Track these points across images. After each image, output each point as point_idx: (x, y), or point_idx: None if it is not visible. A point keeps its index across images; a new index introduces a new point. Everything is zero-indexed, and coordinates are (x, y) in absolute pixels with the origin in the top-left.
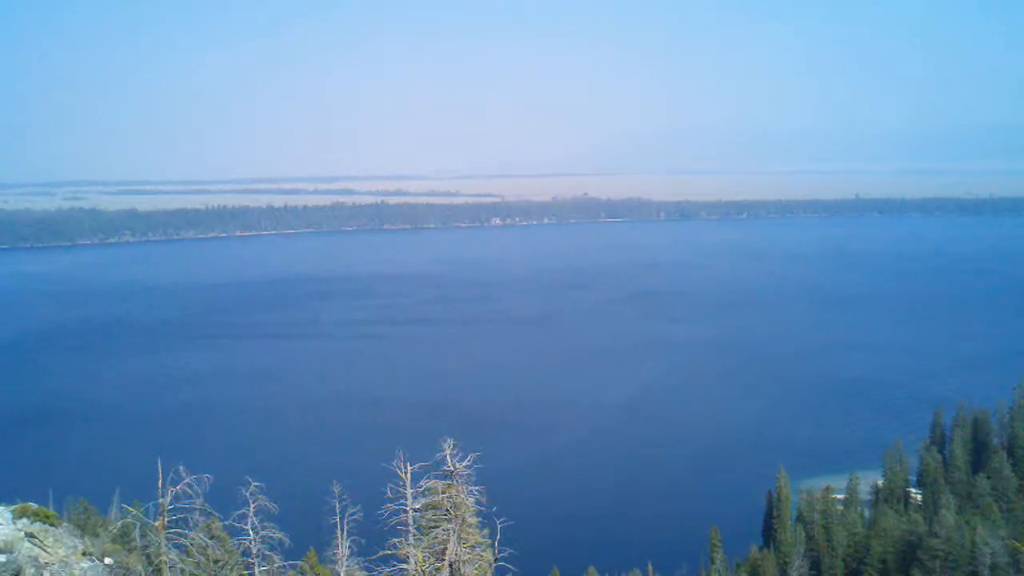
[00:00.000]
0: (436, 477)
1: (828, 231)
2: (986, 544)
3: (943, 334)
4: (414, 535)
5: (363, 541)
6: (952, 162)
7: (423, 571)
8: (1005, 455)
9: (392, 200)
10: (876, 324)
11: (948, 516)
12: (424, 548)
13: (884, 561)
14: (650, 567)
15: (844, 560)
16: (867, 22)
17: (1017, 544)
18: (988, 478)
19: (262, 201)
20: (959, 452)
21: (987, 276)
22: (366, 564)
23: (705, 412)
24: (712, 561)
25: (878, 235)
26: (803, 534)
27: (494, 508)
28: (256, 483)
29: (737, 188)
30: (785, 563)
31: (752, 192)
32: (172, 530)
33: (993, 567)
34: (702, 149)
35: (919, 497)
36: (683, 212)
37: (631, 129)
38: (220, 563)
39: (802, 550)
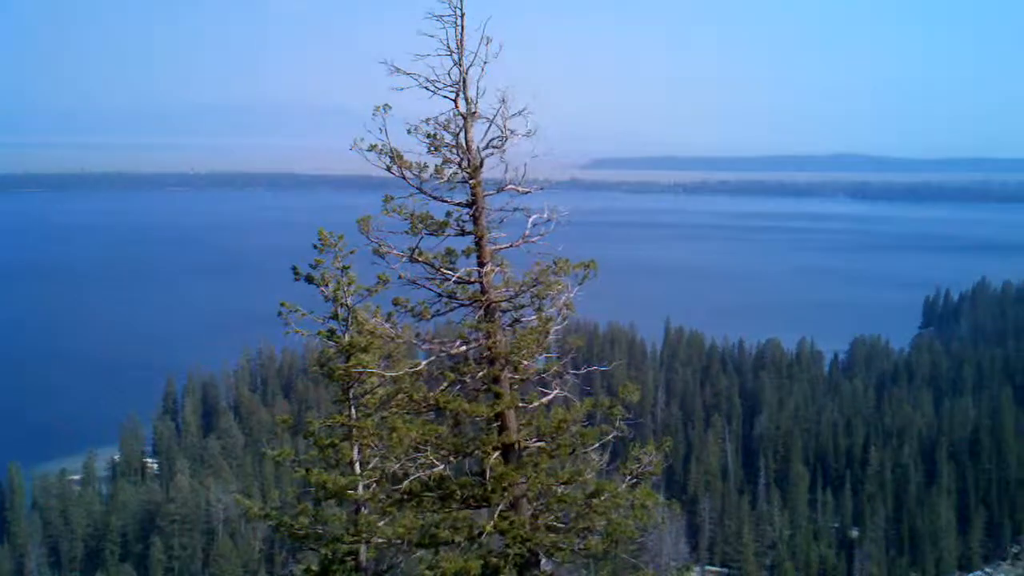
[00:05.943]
0: None
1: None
2: (218, 501)
3: (161, 304)
4: None
5: None
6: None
7: None
8: (232, 415)
9: None
10: (92, 298)
11: (183, 480)
12: None
13: (124, 534)
14: None
15: (84, 540)
16: None
17: (241, 498)
18: (219, 439)
19: None
20: (191, 418)
21: (192, 245)
22: None
23: None
24: None
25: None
26: (40, 522)
27: None
28: None
29: None
30: (22, 555)
31: None
32: None
33: (226, 520)
34: None
35: (156, 466)
36: None
37: None
38: None
39: (39, 539)
